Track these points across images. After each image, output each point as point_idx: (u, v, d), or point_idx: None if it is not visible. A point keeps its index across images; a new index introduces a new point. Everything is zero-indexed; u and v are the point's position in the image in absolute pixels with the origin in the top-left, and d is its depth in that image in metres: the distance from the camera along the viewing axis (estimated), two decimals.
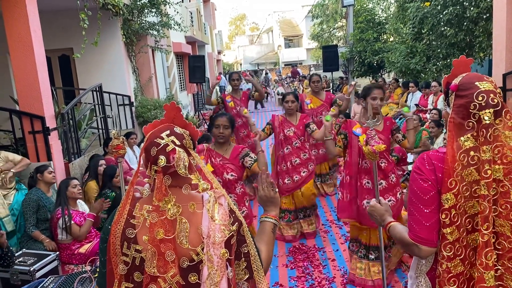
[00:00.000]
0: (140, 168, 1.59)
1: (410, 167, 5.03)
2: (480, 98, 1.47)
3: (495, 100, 1.45)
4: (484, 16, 7.62)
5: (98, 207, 4.22)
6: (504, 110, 1.46)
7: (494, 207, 1.48)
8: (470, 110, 1.48)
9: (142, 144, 5.32)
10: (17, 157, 4.66)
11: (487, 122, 1.45)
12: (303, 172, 4.62)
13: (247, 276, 1.43)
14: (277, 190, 1.68)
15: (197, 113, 13.65)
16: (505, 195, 1.46)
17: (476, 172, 1.48)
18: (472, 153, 1.47)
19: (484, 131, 1.46)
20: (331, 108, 4.28)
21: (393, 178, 3.55)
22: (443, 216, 1.50)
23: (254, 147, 6.09)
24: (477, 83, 1.50)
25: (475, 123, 1.48)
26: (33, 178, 4.35)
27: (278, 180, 4.70)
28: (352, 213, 3.62)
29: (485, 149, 1.45)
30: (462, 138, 1.50)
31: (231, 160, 3.44)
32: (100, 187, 4.84)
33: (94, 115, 7.14)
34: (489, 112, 1.45)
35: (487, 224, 1.46)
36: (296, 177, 4.61)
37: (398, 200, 3.53)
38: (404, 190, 3.73)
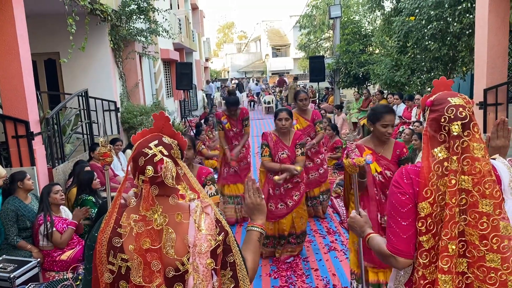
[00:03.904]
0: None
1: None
2: (449, 112, 1.55)
3: (463, 114, 1.54)
4: (467, 32, 7.82)
5: (79, 214, 4.17)
6: (472, 123, 1.54)
7: (464, 216, 1.54)
8: (441, 123, 1.57)
9: (128, 151, 5.32)
10: (2, 172, 4.44)
11: (455, 134, 1.53)
12: (296, 196, 4.40)
13: (232, 285, 1.44)
14: (263, 197, 1.70)
15: (183, 119, 13.62)
16: (474, 205, 1.52)
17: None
18: (445, 163, 1.55)
19: (452, 142, 1.54)
20: (296, 166, 4.18)
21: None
22: (419, 224, 1.56)
23: (248, 167, 5.94)
24: (449, 98, 1.59)
25: (446, 135, 1.56)
26: (8, 185, 4.20)
27: (269, 205, 4.38)
28: (374, 257, 2.99)
29: (453, 159, 1.53)
30: (436, 150, 1.58)
31: None
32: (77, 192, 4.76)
33: (79, 120, 7.08)
34: (457, 124, 1.53)
35: (446, 230, 1.52)
36: (290, 202, 4.39)
37: None
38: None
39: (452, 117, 1.54)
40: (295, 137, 4.38)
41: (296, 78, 22.02)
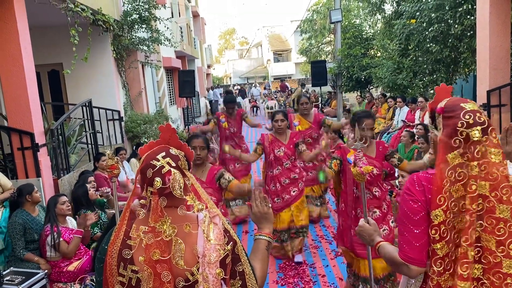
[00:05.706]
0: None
1: (397, 182, 5.07)
2: (467, 117, 1.53)
3: (482, 119, 1.53)
4: (468, 34, 7.81)
5: (83, 222, 4.17)
6: (490, 128, 1.53)
7: (480, 222, 1.53)
8: (458, 128, 1.54)
9: (132, 160, 5.32)
10: (8, 184, 4.50)
11: (475, 139, 1.51)
12: (293, 192, 4.58)
13: None
14: (270, 205, 1.71)
15: (186, 127, 13.65)
16: (491, 211, 1.51)
17: (463, 187, 1.53)
18: (459, 169, 1.53)
19: (472, 148, 1.52)
20: (323, 142, 4.26)
21: (385, 206, 3.48)
22: (433, 232, 1.54)
23: (244, 168, 6.16)
24: (462, 104, 1.58)
25: (462, 140, 1.53)
26: (15, 198, 4.22)
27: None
28: (347, 241, 3.55)
29: (473, 165, 1.51)
30: (450, 155, 1.55)
31: (208, 183, 3.35)
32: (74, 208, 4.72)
33: (84, 130, 7.11)
34: (478, 129, 1.51)
35: (466, 236, 1.51)
36: (286, 196, 4.57)
37: (391, 229, 3.47)
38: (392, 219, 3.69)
39: (471, 122, 1.53)
40: (291, 136, 4.68)
41: (303, 84, 22.02)
